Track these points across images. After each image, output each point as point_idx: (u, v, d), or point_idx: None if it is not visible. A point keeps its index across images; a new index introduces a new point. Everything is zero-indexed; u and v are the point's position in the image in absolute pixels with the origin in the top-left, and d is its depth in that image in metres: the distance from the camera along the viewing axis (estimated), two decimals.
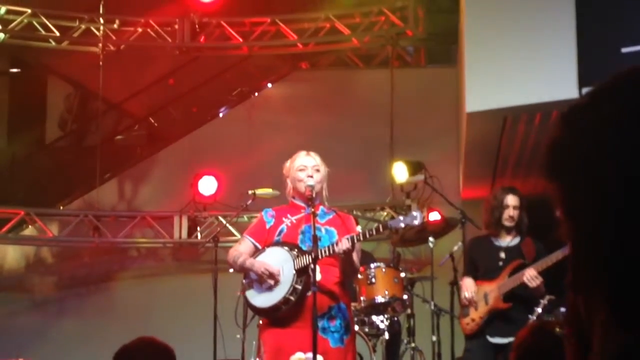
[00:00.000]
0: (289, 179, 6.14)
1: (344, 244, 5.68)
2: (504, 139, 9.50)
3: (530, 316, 7.08)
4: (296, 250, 5.86)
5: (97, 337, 12.18)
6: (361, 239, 5.77)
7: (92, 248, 12.40)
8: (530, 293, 7.08)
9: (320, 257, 5.71)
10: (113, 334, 12.00)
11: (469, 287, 7.31)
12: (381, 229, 5.86)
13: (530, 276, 7.00)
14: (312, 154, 6.15)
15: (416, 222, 5.80)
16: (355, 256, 5.90)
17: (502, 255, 7.29)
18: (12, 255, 13.00)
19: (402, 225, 5.83)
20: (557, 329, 3.31)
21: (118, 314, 12.45)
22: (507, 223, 7.29)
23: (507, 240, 7.34)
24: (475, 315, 7.24)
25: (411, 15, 11.74)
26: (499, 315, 7.20)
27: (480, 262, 7.39)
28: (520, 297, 7.16)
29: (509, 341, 6.95)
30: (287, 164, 6.18)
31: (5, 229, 11.86)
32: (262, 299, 5.90)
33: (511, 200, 7.30)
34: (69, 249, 12.76)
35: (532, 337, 3.54)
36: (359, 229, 5.96)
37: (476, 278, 7.36)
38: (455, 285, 8.27)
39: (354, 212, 11.29)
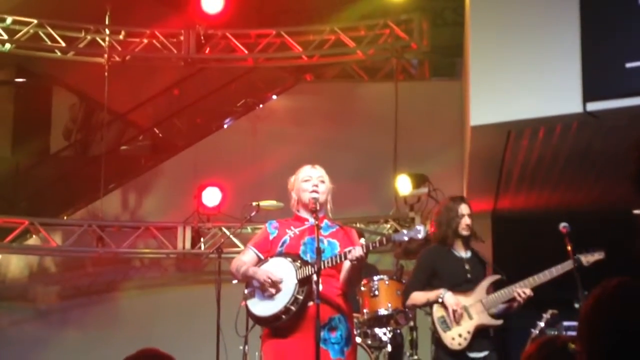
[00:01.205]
0: (293, 191, 6.17)
1: (357, 252, 5.67)
2: (508, 153, 9.50)
3: (533, 330, 7.07)
4: (299, 261, 5.87)
5: (100, 347, 12.19)
6: (364, 250, 5.78)
7: (96, 258, 12.42)
8: (515, 308, 7.03)
9: (323, 267, 5.73)
10: (116, 344, 12.04)
11: (454, 301, 7.11)
12: (384, 242, 5.86)
13: (525, 293, 6.94)
14: (317, 166, 6.18)
15: (420, 236, 5.80)
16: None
17: (467, 267, 7.17)
18: (15, 264, 13.02)
19: (406, 238, 5.83)
20: (571, 345, 3.27)
21: (121, 324, 12.46)
22: (464, 232, 7.13)
23: (464, 252, 7.22)
24: (462, 330, 7.02)
25: (416, 29, 11.77)
26: (482, 329, 7.11)
27: (444, 272, 7.19)
28: (495, 313, 7.09)
29: (484, 355, 6.93)
30: (292, 178, 6.21)
31: (9, 238, 11.87)
32: (262, 308, 5.91)
33: (465, 209, 7.21)
34: (73, 259, 12.77)
35: (539, 351, 3.51)
36: (362, 241, 5.96)
37: (438, 288, 7.18)
38: None
39: (358, 225, 11.30)
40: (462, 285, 7.06)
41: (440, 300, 6.99)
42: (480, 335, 6.97)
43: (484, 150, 9.35)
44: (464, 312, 6.97)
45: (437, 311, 7.02)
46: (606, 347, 2.54)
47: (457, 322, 6.95)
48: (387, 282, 8.19)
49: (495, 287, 7.06)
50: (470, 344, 6.95)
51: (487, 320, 6.99)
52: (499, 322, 7.03)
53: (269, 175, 11.96)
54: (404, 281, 8.39)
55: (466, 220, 7.13)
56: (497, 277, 7.10)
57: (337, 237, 6.04)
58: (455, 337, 6.96)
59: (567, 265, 6.86)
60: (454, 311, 6.96)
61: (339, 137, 12.40)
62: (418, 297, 7.07)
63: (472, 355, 7.00)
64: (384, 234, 10.04)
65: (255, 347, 8.39)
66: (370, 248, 5.80)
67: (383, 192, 11.88)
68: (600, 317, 2.59)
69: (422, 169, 10.93)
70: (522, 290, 6.93)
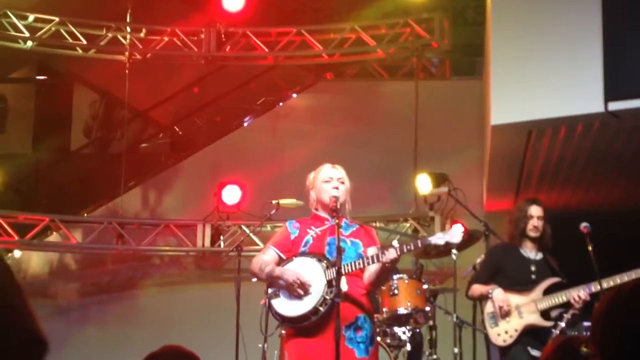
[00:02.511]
0: (312, 190, 6.12)
1: (392, 254, 5.65)
2: (529, 152, 9.48)
3: (553, 330, 7.04)
4: (325, 261, 5.84)
5: (120, 345, 12.24)
6: (399, 253, 5.73)
7: (116, 255, 12.45)
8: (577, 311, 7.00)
9: (354, 268, 5.72)
10: (135, 342, 12.08)
11: (502, 298, 7.16)
12: (420, 245, 5.84)
13: (581, 298, 6.91)
14: (337, 166, 6.14)
15: (455, 241, 5.77)
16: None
17: (533, 268, 7.20)
18: (36, 261, 13.07)
19: (442, 242, 5.80)
20: (584, 348, 3.26)
21: (141, 321, 12.49)
22: (531, 233, 7.24)
23: (533, 254, 7.27)
24: (509, 327, 7.10)
25: (437, 27, 11.73)
26: (533, 329, 7.11)
27: (508, 270, 7.27)
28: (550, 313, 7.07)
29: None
30: (311, 176, 6.17)
31: (29, 235, 11.92)
32: (290, 308, 5.87)
33: (535, 210, 7.27)
34: (93, 256, 12.81)
35: (555, 353, 3.50)
36: (395, 243, 5.89)
37: (506, 288, 7.23)
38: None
39: (377, 223, 11.29)
40: (525, 285, 7.10)
41: (490, 295, 7.06)
42: (540, 333, 6.98)
43: (504, 149, 9.33)
44: (514, 310, 7.02)
45: (489, 307, 7.14)
46: (620, 350, 2.52)
47: (504, 319, 7.02)
48: (406, 281, 8.17)
49: (555, 290, 7.07)
50: (528, 341, 7.00)
51: (537, 321, 7.02)
52: (549, 323, 7.01)
53: (288, 174, 11.97)
54: (423, 280, 8.39)
55: (534, 222, 7.20)
56: (556, 279, 7.08)
57: (359, 237, 6.02)
58: (502, 333, 7.06)
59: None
60: (500, 307, 7.07)
61: (359, 136, 12.39)
62: (475, 289, 7.29)
63: (533, 352, 7.04)
64: (419, 237, 10.00)
65: (274, 345, 8.41)
66: (405, 250, 5.75)
67: (403, 191, 11.86)
68: (614, 319, 2.57)
69: (442, 168, 10.89)
70: (577, 294, 6.91)
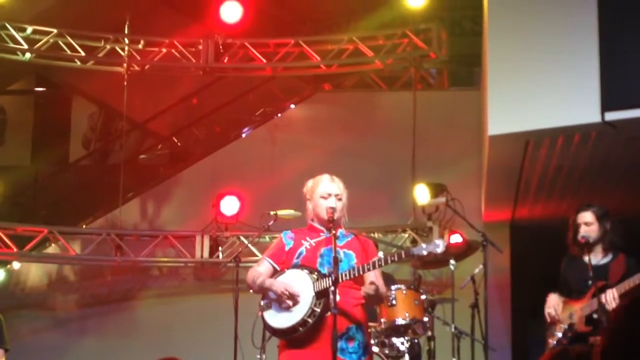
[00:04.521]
0: (309, 202, 6.13)
1: (368, 290, 5.77)
2: (526, 162, 9.49)
3: (550, 341, 7.03)
4: (316, 273, 5.86)
5: (118, 356, 12.24)
6: (383, 264, 5.78)
7: (114, 267, 12.45)
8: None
9: (340, 280, 5.73)
10: (134, 353, 12.10)
11: (552, 303, 7.14)
12: (403, 256, 5.87)
13: (609, 298, 6.85)
14: (336, 179, 6.12)
15: (438, 250, 5.80)
16: (381, 283, 5.93)
17: (591, 274, 7.09)
18: (34, 273, 13.06)
19: (425, 252, 5.83)
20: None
21: (139, 332, 12.49)
22: (582, 241, 7.14)
23: (598, 259, 7.12)
24: (560, 333, 7.09)
25: (434, 38, 11.76)
26: (582, 337, 7.03)
27: (568, 279, 7.18)
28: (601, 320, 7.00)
29: None
30: (309, 183, 6.16)
31: (28, 246, 11.93)
32: (279, 320, 5.90)
33: (581, 217, 7.15)
34: (91, 267, 12.81)
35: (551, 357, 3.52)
36: (380, 254, 5.95)
37: (566, 296, 7.22)
38: (475, 308, 8.26)
39: (375, 234, 11.30)
40: (582, 293, 7.02)
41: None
42: (583, 340, 6.94)
43: (502, 159, 9.34)
44: (566, 318, 6.97)
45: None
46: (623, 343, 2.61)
47: (555, 325, 7.00)
48: (404, 292, 8.17)
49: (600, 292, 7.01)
50: None
51: (580, 327, 6.94)
52: (588, 328, 6.93)
53: (286, 184, 11.95)
54: (421, 290, 8.38)
55: (583, 229, 7.07)
56: (602, 282, 7.03)
57: (353, 248, 6.02)
58: (554, 340, 7.01)
59: None
60: (548, 314, 7.06)
61: (357, 147, 12.40)
62: (548, 298, 7.21)
63: None
64: (402, 247, 10.02)
65: (272, 356, 8.40)
66: (389, 261, 5.81)
67: (401, 202, 11.88)
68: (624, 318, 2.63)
69: (440, 178, 10.91)
70: (608, 296, 6.85)
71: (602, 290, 6.87)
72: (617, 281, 6.88)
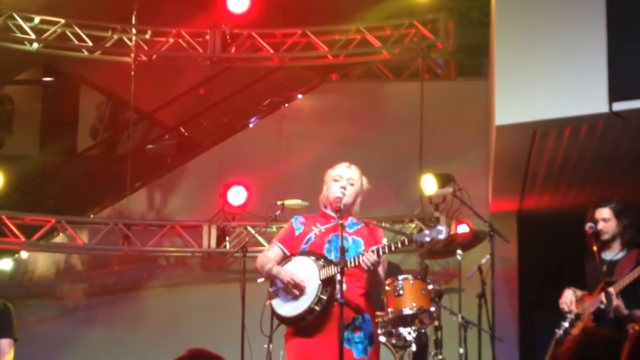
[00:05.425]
0: (325, 186, 6.17)
1: (369, 257, 5.70)
2: (534, 153, 9.48)
3: (557, 330, 7.03)
4: (322, 260, 5.87)
5: (126, 345, 12.27)
6: (387, 251, 5.78)
7: (122, 256, 12.48)
8: (614, 312, 6.91)
9: (346, 267, 5.73)
10: (142, 342, 12.13)
11: (565, 298, 7.15)
12: (406, 242, 5.86)
13: (616, 297, 6.87)
14: (353, 167, 6.16)
15: (441, 237, 5.80)
16: (380, 269, 5.91)
17: (604, 269, 7.10)
18: (42, 262, 13.09)
19: (428, 239, 5.83)
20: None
21: (147, 322, 12.52)
22: (589, 232, 7.11)
23: (613, 254, 7.09)
24: (574, 330, 7.11)
25: (442, 28, 11.74)
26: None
27: (588, 276, 7.18)
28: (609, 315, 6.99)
29: None
30: (329, 171, 6.20)
31: (36, 236, 11.95)
32: (287, 308, 5.92)
33: (599, 213, 7.11)
34: (99, 257, 12.83)
35: (579, 348, 3.49)
36: (384, 241, 5.96)
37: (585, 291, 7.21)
38: (482, 298, 8.26)
39: (382, 224, 11.30)
40: (595, 288, 7.02)
41: None
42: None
43: (509, 150, 9.34)
44: (582, 313, 6.98)
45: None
46: None
47: (576, 322, 7.00)
48: (411, 282, 8.18)
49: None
50: None
51: (588, 323, 6.95)
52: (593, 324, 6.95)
53: (294, 174, 12.00)
54: (428, 280, 8.39)
55: (599, 226, 7.03)
56: (607, 279, 7.03)
57: (362, 235, 6.04)
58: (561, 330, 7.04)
59: None
60: (562, 308, 7.07)
61: (364, 137, 12.39)
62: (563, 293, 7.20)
63: None
64: (406, 234, 10.02)
65: (279, 346, 8.41)
66: (392, 249, 5.81)
67: (408, 192, 11.87)
68: None
69: (447, 168, 10.91)
70: (607, 295, 6.86)
71: (610, 285, 6.89)
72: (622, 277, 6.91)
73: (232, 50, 12.38)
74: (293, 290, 5.86)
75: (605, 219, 7.05)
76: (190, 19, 12.85)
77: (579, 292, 7.16)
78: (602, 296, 6.78)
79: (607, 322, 6.83)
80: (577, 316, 6.98)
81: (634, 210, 7.16)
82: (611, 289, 6.75)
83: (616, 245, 7.08)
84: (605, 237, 7.04)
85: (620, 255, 7.05)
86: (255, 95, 13.85)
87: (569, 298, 7.11)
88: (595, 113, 8.09)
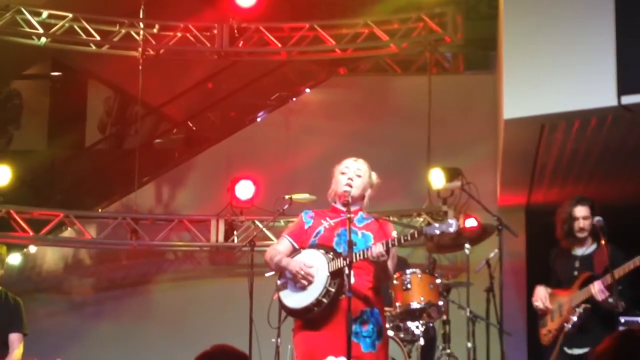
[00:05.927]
0: (333, 180, 6.17)
1: (378, 249, 5.69)
2: (542, 146, 9.46)
3: (566, 325, 7.03)
4: (331, 253, 5.87)
5: (134, 339, 12.29)
6: (396, 244, 5.77)
7: (130, 251, 12.49)
8: (602, 305, 6.97)
9: (355, 260, 5.72)
10: (149, 337, 12.14)
11: (539, 295, 7.25)
12: (416, 235, 5.85)
13: (597, 290, 6.91)
14: (360, 160, 6.17)
15: (451, 230, 5.79)
16: (389, 263, 5.90)
17: (577, 264, 7.21)
18: (50, 256, 13.12)
19: (437, 232, 5.82)
20: None
21: (155, 316, 12.54)
22: (578, 234, 7.22)
23: (583, 249, 7.26)
24: (552, 326, 7.16)
25: (450, 22, 11.73)
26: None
27: (558, 272, 7.32)
28: (595, 308, 7.04)
29: (585, 351, 6.94)
30: (337, 166, 6.21)
31: (44, 230, 11.97)
32: (295, 300, 5.91)
33: (579, 211, 7.23)
34: (107, 251, 12.86)
35: (618, 345, 3.47)
36: (394, 234, 5.95)
37: (553, 287, 7.29)
38: (491, 292, 8.26)
39: (390, 218, 11.29)
40: (570, 283, 7.15)
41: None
42: (580, 331, 6.98)
43: (517, 143, 9.32)
44: (556, 309, 7.04)
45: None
46: None
47: (551, 318, 7.06)
48: (419, 276, 8.18)
49: (587, 283, 7.06)
50: (569, 340, 7.00)
51: (571, 319, 6.99)
52: (573, 320, 6.98)
53: (301, 169, 11.99)
54: (436, 274, 8.39)
55: (580, 224, 7.21)
56: (588, 273, 7.08)
57: (372, 229, 6.03)
58: (546, 332, 7.11)
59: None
60: (536, 306, 7.21)
61: (372, 131, 12.38)
62: (535, 291, 7.34)
63: (569, 351, 7.04)
64: (415, 227, 10.02)
65: (287, 340, 8.41)
66: (402, 241, 5.79)
67: (416, 186, 11.87)
68: None
69: (455, 162, 10.89)
70: (596, 288, 6.90)
71: (590, 280, 6.96)
72: (603, 272, 7.00)
73: (240, 45, 12.39)
74: (302, 280, 5.85)
75: (585, 217, 7.23)
76: (197, 13, 12.84)
77: (549, 289, 7.24)
78: (594, 288, 6.85)
79: (592, 313, 6.94)
80: (586, 310, 6.99)
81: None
82: (598, 284, 6.84)
83: (588, 240, 7.26)
84: (585, 234, 7.18)
85: (592, 249, 7.21)
86: (263, 89, 13.85)
87: (542, 295, 7.20)
88: (604, 107, 8.08)
